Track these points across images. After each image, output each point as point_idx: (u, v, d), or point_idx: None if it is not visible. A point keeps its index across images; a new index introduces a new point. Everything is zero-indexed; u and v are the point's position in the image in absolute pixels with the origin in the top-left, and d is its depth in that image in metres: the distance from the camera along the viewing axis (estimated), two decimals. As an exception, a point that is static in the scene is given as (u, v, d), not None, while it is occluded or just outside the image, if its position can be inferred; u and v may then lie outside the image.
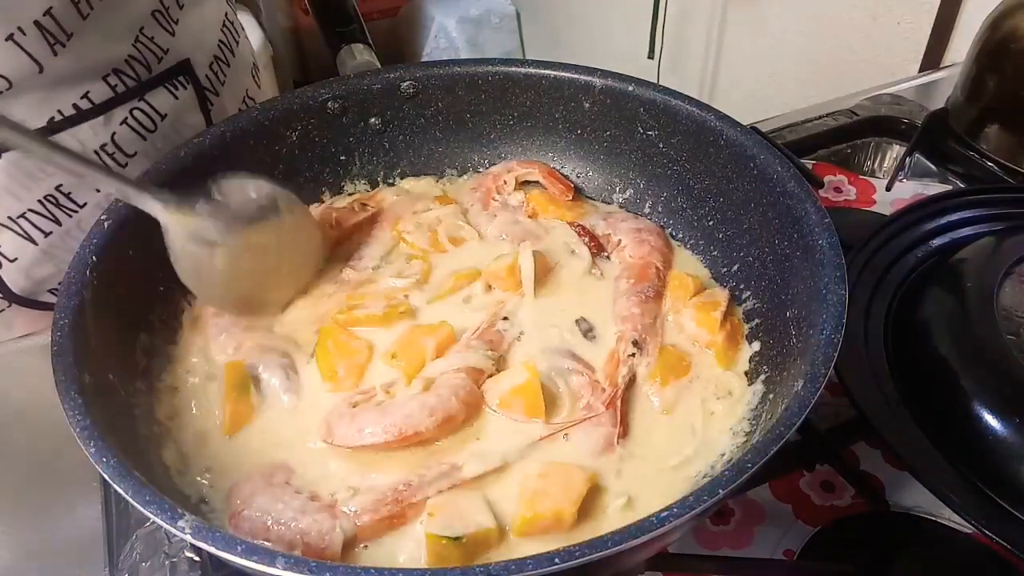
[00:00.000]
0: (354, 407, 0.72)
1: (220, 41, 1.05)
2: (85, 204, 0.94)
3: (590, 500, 0.68)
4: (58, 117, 0.88)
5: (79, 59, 0.86)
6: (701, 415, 0.75)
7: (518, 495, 0.67)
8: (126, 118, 0.93)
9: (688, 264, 0.89)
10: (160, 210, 0.72)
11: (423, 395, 0.72)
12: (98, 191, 0.94)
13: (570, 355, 0.79)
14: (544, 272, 0.85)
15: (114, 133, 0.93)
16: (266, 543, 0.64)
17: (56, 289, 0.98)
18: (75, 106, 0.89)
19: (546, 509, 0.65)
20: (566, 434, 0.72)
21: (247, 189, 0.78)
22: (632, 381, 0.77)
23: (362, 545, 0.66)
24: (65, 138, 0.89)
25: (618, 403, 0.74)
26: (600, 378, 0.77)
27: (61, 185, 0.91)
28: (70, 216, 0.93)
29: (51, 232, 0.93)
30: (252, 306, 0.81)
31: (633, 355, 0.78)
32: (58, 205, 0.92)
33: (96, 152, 0.92)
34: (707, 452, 0.72)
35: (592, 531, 0.65)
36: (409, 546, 0.66)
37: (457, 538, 0.63)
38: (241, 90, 1.11)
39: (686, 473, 0.70)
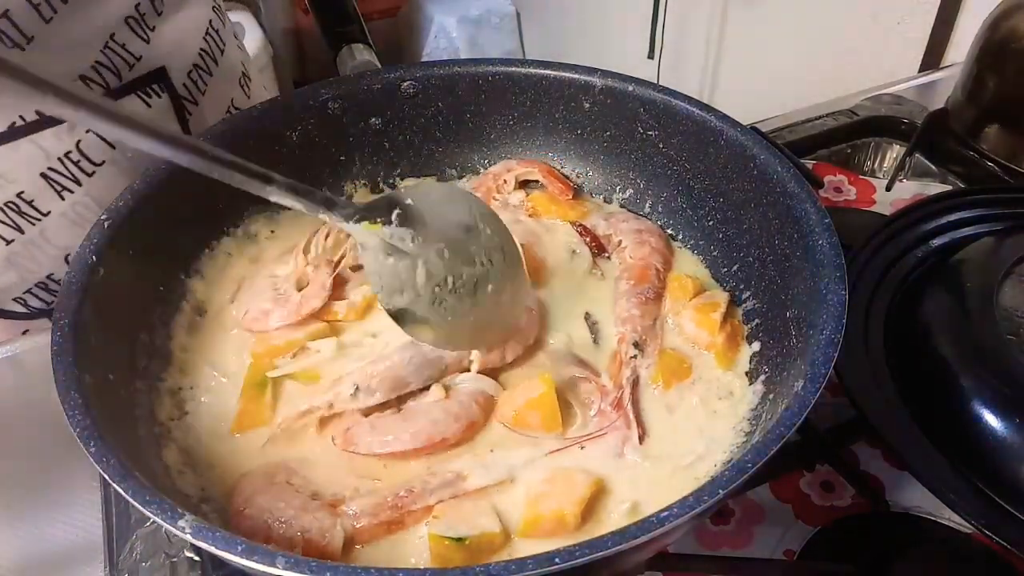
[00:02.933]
0: (367, 416, 0.72)
1: (202, 49, 1.02)
2: (49, 212, 0.91)
3: (597, 504, 0.68)
4: (19, 123, 0.86)
5: (41, 64, 0.84)
6: (704, 415, 0.75)
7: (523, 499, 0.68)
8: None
9: (688, 265, 0.89)
10: (347, 223, 0.65)
11: (445, 402, 0.73)
12: (63, 199, 0.91)
13: (575, 360, 0.79)
14: (537, 267, 0.86)
15: (79, 140, 0.90)
16: (267, 541, 0.64)
17: (21, 298, 0.97)
18: (37, 112, 0.86)
19: (548, 510, 0.65)
20: (581, 445, 0.72)
21: (435, 195, 0.71)
22: (637, 382, 0.77)
23: (359, 547, 0.66)
24: (26, 144, 0.87)
25: (628, 405, 0.74)
26: (605, 380, 0.77)
27: (23, 192, 0.89)
28: (33, 224, 0.91)
29: (13, 240, 0.92)
30: (461, 338, 0.72)
31: (634, 356, 0.78)
32: (20, 213, 0.90)
33: (60, 159, 0.90)
34: (716, 450, 0.72)
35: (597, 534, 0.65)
36: (406, 551, 0.66)
37: (460, 539, 0.63)
38: (225, 100, 1.08)
39: (696, 473, 0.70)
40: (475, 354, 0.75)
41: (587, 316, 0.83)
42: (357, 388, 0.73)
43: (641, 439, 0.73)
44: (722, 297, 0.83)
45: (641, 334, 0.80)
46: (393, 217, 0.66)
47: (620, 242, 0.89)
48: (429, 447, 0.70)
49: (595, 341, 0.81)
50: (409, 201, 0.67)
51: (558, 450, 0.72)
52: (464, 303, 0.70)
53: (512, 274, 0.74)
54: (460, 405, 0.72)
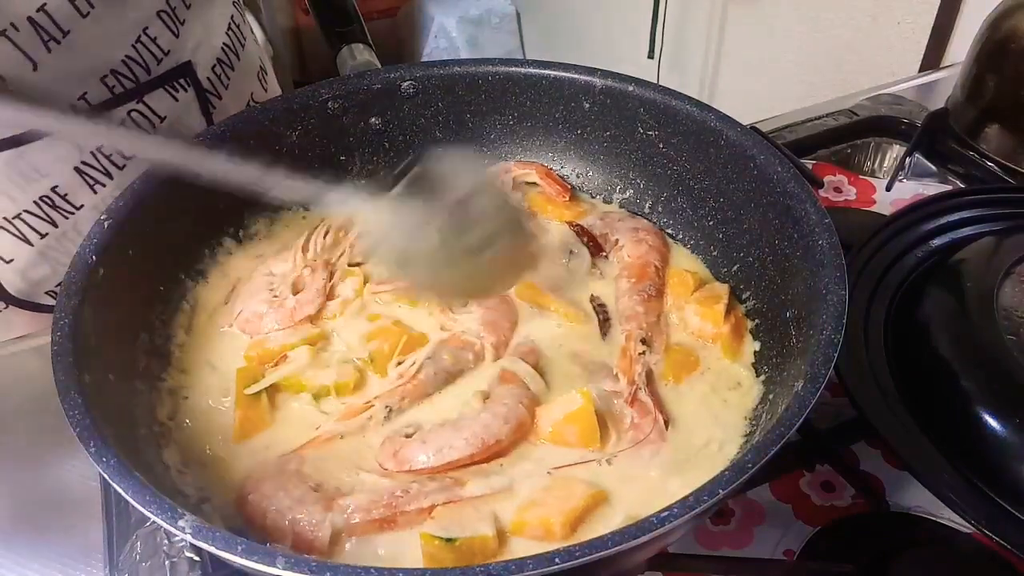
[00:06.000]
0: (408, 437, 0.72)
1: (225, 44, 1.04)
2: (82, 206, 0.93)
3: (593, 515, 0.67)
4: None
5: (75, 58, 0.86)
6: (718, 403, 0.76)
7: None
8: (124, 120, 0.93)
9: (687, 264, 0.89)
10: (355, 199, 0.72)
11: (492, 405, 0.73)
12: (95, 193, 0.93)
13: (609, 373, 0.78)
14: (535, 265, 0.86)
15: None
16: (263, 528, 0.65)
17: (53, 291, 0.98)
18: (71, 107, 0.88)
19: (535, 517, 0.65)
20: (608, 460, 0.72)
21: (445, 165, 0.75)
22: (651, 376, 0.77)
23: (356, 541, 0.66)
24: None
25: (647, 400, 0.74)
26: (621, 380, 0.77)
27: (57, 186, 0.91)
28: (66, 218, 0.93)
29: (47, 233, 0.93)
30: (472, 289, 0.79)
31: (643, 353, 0.78)
32: (54, 206, 0.92)
33: (92, 153, 0.91)
34: (735, 435, 0.72)
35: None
36: (394, 550, 0.66)
37: (450, 540, 0.63)
38: (246, 93, 1.10)
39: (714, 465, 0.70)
40: (489, 351, 0.78)
41: (592, 299, 0.84)
42: (390, 410, 0.74)
43: (667, 423, 0.73)
44: (723, 288, 0.83)
45: (647, 330, 0.80)
46: (403, 185, 0.70)
47: (617, 241, 0.89)
48: (484, 451, 0.70)
49: (603, 332, 0.82)
50: (417, 169, 0.71)
51: (581, 463, 0.71)
52: (471, 263, 0.74)
53: (514, 232, 0.78)
54: (506, 407, 0.72)
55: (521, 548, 0.65)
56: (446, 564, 0.63)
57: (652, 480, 0.70)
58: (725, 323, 0.80)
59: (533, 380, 0.76)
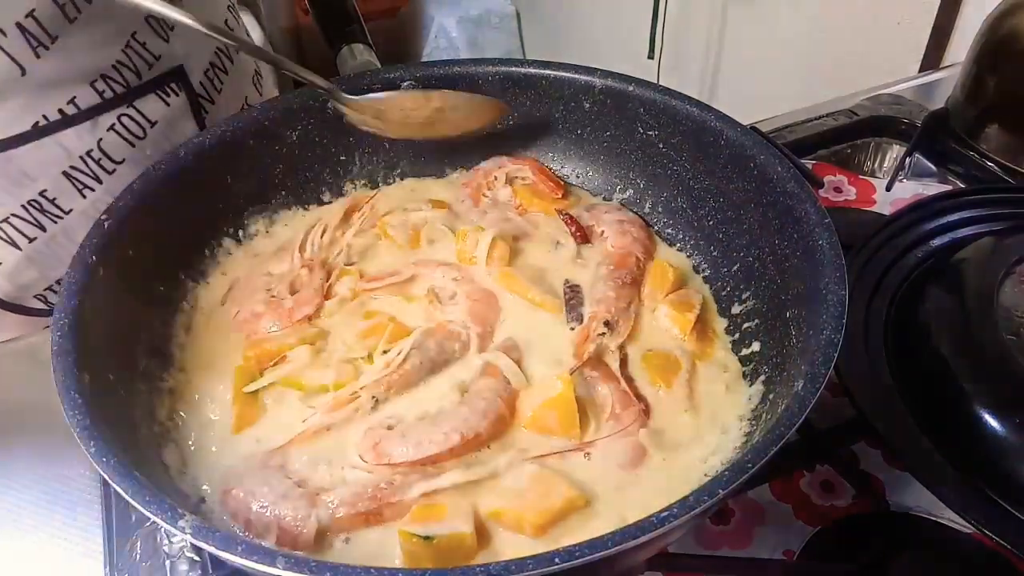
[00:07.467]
0: (390, 429, 0.72)
1: (218, 48, 1.03)
2: (70, 210, 0.92)
3: (573, 520, 0.66)
4: (43, 122, 0.87)
5: (64, 63, 0.85)
6: (719, 396, 0.76)
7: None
8: (114, 124, 0.92)
9: (672, 260, 0.89)
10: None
11: (471, 399, 0.73)
12: (84, 198, 0.93)
13: (596, 361, 0.78)
14: (512, 254, 0.87)
15: (101, 139, 0.91)
16: (247, 523, 0.65)
17: (41, 295, 0.98)
18: (60, 111, 0.87)
19: (509, 510, 0.65)
20: (587, 452, 0.71)
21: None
22: (625, 362, 0.78)
23: (343, 537, 0.66)
24: (49, 143, 0.88)
25: (627, 389, 0.75)
26: (618, 376, 0.77)
27: (45, 191, 0.90)
28: (55, 222, 0.92)
29: (35, 238, 0.92)
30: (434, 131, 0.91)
31: (603, 334, 0.79)
32: (42, 211, 0.91)
33: (82, 158, 0.91)
34: (733, 431, 0.72)
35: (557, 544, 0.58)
36: (382, 543, 0.66)
37: (427, 537, 0.63)
38: (240, 98, 1.09)
39: (706, 469, 0.70)
40: (474, 341, 0.78)
41: (566, 282, 0.84)
42: (376, 400, 0.74)
43: (647, 413, 0.73)
44: (697, 299, 0.83)
45: (614, 315, 0.80)
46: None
47: (602, 232, 0.90)
48: (463, 445, 0.70)
49: (568, 314, 0.82)
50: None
51: (557, 453, 0.71)
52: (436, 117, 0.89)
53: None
54: (485, 401, 0.73)
55: (501, 544, 0.65)
56: (425, 562, 0.63)
57: (639, 488, 0.69)
58: (691, 334, 0.80)
59: (515, 376, 0.75)
